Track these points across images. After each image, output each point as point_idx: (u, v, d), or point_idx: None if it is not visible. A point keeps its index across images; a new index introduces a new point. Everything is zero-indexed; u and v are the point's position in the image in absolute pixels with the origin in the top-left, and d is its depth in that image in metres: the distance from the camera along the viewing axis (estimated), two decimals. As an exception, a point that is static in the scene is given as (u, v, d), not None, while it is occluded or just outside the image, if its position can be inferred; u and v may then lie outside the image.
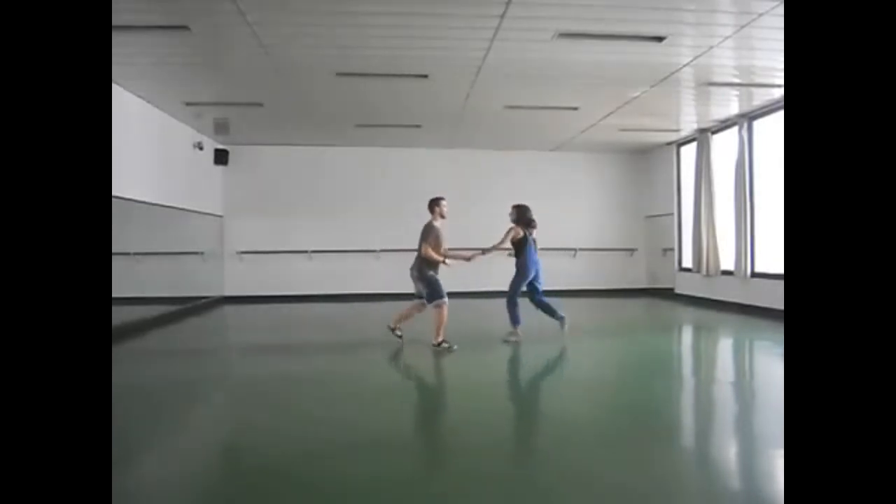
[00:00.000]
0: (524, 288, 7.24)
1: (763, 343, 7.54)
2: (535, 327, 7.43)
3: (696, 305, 10.79)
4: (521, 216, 7.27)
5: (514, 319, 7.16)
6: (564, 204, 12.93)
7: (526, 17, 5.43)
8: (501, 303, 7.35)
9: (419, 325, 7.08)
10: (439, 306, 6.63)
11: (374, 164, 12.38)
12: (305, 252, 12.02)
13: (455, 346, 6.56)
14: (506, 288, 7.29)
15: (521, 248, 7.18)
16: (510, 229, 7.21)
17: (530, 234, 7.24)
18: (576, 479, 3.12)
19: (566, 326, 7.34)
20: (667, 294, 12.10)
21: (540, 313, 7.39)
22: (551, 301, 7.44)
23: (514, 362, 6.50)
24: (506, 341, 7.06)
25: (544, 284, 7.41)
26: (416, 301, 6.99)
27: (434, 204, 6.85)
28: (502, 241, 7.20)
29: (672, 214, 12.15)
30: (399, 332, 6.94)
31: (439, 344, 6.57)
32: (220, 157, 11.41)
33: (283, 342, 7.69)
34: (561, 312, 7.35)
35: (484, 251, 7.17)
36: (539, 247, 7.40)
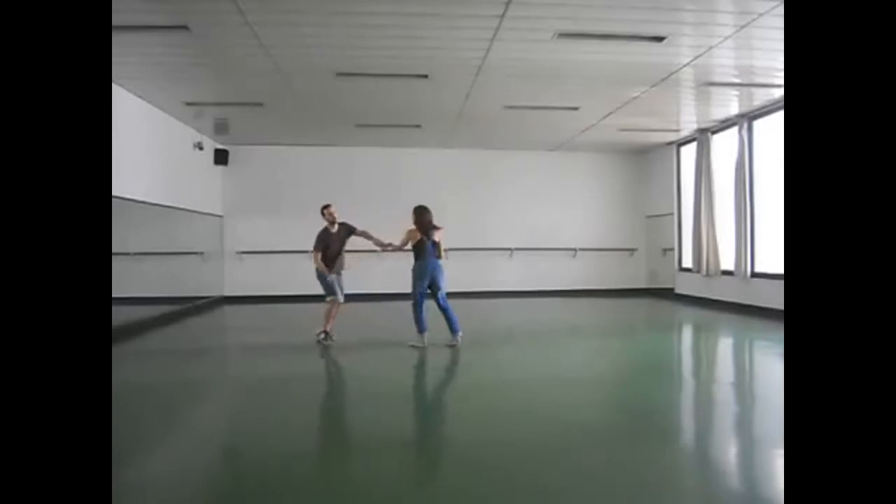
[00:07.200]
0: (427, 291, 6.87)
1: (763, 343, 7.54)
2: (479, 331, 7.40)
3: (696, 305, 10.80)
4: (420, 220, 6.90)
5: (421, 325, 6.83)
6: (564, 204, 12.95)
7: (526, 17, 5.43)
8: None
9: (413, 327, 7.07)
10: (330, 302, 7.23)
11: (374, 164, 12.38)
12: (305, 252, 12.00)
13: (334, 340, 7.09)
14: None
15: (418, 252, 6.87)
16: (410, 230, 6.89)
17: (429, 238, 6.84)
18: (575, 479, 3.13)
19: (457, 343, 6.84)
20: (667, 294, 12.11)
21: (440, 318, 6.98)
22: (456, 315, 6.96)
23: (502, 362, 6.50)
24: (412, 346, 6.77)
25: (446, 289, 6.96)
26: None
27: (321, 210, 7.38)
28: (402, 243, 6.99)
29: (672, 214, 12.16)
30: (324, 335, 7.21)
31: (319, 333, 7.18)
32: (220, 157, 11.41)
33: (283, 342, 7.69)
34: (460, 332, 6.90)
35: (383, 248, 7.33)
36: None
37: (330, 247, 7.24)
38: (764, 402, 4.84)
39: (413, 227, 6.88)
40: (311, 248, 7.27)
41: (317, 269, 7.24)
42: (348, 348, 7.01)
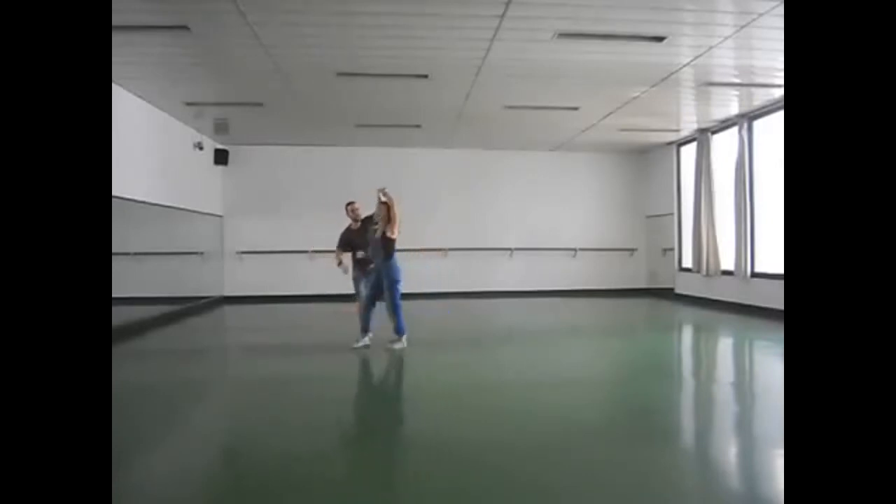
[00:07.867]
0: (364, 291, 6.88)
1: (763, 343, 7.54)
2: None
3: (696, 305, 10.80)
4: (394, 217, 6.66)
5: (403, 326, 6.71)
6: (564, 204, 12.96)
7: (526, 17, 5.43)
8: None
9: (414, 327, 7.08)
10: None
11: (374, 164, 12.37)
12: (305, 252, 12.02)
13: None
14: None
15: (392, 249, 6.64)
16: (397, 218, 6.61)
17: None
18: (575, 479, 3.13)
19: (362, 344, 6.77)
20: (667, 294, 12.11)
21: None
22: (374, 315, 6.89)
23: (502, 362, 6.50)
24: (395, 348, 6.62)
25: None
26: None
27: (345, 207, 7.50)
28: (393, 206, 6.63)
29: (672, 214, 12.16)
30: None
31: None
32: (220, 157, 11.41)
33: (283, 343, 7.69)
34: (370, 332, 6.83)
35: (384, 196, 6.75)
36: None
37: (353, 245, 7.26)
38: (764, 402, 4.84)
39: (396, 216, 6.62)
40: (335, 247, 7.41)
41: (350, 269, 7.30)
42: (347, 349, 7.00)
